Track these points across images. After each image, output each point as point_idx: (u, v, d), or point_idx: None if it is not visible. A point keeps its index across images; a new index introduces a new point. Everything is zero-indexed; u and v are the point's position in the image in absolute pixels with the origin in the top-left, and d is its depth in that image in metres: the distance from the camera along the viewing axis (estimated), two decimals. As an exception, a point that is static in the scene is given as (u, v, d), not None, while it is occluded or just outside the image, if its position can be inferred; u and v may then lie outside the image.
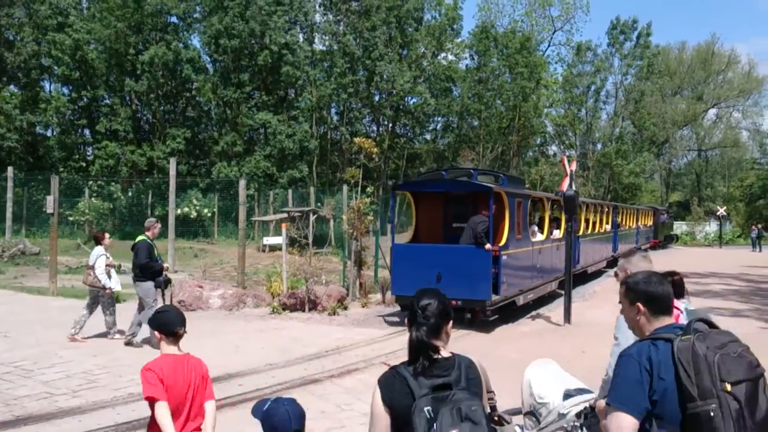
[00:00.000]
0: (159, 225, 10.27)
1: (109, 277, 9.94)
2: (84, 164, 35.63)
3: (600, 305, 15.23)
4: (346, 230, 15.81)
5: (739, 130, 65.99)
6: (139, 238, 9.89)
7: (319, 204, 29.00)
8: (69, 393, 7.29)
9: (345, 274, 16.12)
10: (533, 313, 14.08)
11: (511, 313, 13.27)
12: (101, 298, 10.04)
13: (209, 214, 31.65)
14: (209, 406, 3.79)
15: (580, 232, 18.72)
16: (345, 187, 19.35)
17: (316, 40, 40.67)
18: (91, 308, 10.09)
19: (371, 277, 17.12)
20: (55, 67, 34.62)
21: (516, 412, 3.49)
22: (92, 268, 9.95)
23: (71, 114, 36.12)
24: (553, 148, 55.19)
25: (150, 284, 9.66)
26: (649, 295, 2.66)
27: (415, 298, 2.66)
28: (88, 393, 7.27)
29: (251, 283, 16.19)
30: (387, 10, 38.99)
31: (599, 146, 53.85)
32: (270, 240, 25.41)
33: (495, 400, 2.92)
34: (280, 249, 15.22)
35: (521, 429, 3.30)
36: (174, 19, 37.33)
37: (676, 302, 3.51)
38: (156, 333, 3.81)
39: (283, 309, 13.46)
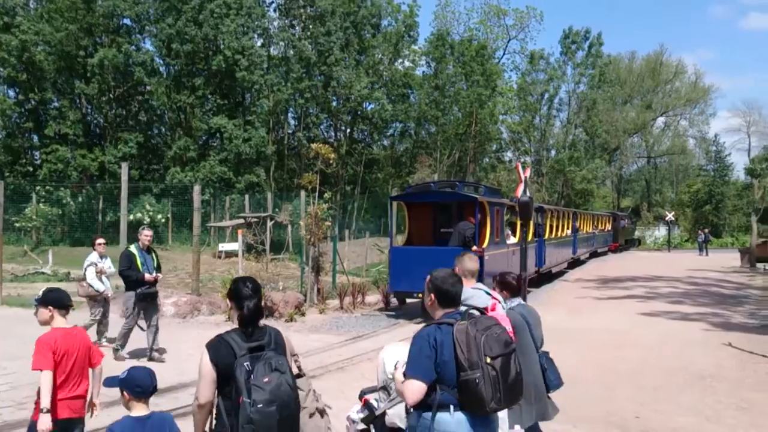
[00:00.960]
0: (147, 232, 9.65)
1: (101, 281, 9.86)
2: (31, 169, 34.51)
3: (554, 310, 15.48)
4: (304, 236, 15.70)
5: (686, 137, 68.17)
6: (130, 246, 9.62)
7: (276, 209, 28.77)
8: (14, 405, 7.03)
9: (303, 280, 16.02)
10: (490, 317, 14.20)
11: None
12: (99, 303, 9.91)
13: (163, 220, 31.03)
14: (96, 371, 4.37)
15: (546, 236, 20.79)
16: (303, 193, 19.25)
17: (271, 45, 40.35)
18: (104, 317, 10.00)
19: (329, 283, 17.05)
20: (1, 69, 33.50)
21: (375, 389, 4.06)
22: (84, 278, 9.82)
23: (17, 117, 34.96)
24: (508, 155, 56.03)
25: (130, 294, 9.28)
26: (440, 290, 3.40)
27: (240, 282, 3.47)
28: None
29: (206, 290, 15.91)
30: (344, 16, 39.00)
31: (553, 153, 54.88)
32: (226, 246, 25.07)
33: (299, 361, 3.63)
34: (237, 255, 15.04)
35: (377, 402, 3.92)
36: (127, 22, 36.56)
37: (497, 295, 4.84)
38: (49, 308, 4.24)
39: (239, 316, 13.23)
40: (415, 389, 3.13)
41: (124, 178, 19.77)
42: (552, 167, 51.78)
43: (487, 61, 44.32)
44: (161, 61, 37.47)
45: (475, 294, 4.49)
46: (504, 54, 52.91)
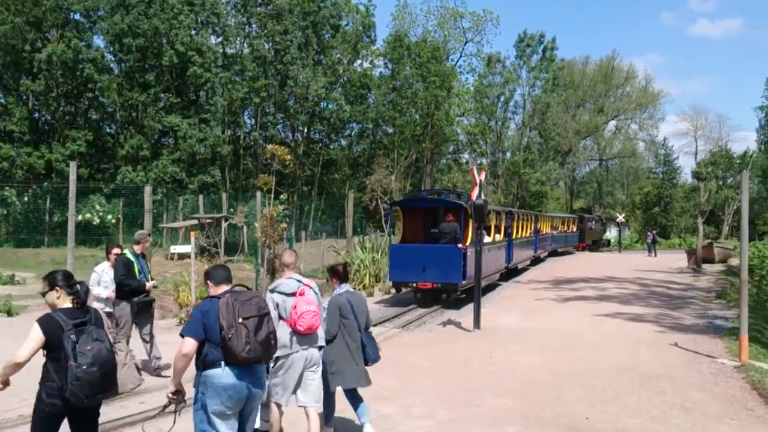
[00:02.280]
0: (149, 238, 9.07)
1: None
2: (-27, 167, 33.34)
3: (508, 311, 15.68)
4: (259, 238, 15.54)
5: (637, 141, 69.88)
6: (126, 252, 8.83)
7: (231, 210, 28.39)
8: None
9: (258, 282, 15.84)
10: (444, 319, 14.30)
11: (424, 321, 13.49)
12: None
13: (113, 221, 30.29)
14: None
15: (513, 236, 23.32)
16: (258, 194, 19.04)
17: (227, 43, 39.78)
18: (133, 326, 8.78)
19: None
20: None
21: None
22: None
23: (-41, 113, 33.72)
24: (465, 156, 56.57)
25: (124, 305, 8.46)
26: (211, 275, 4.65)
27: (62, 275, 4.40)
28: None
29: (158, 292, 15.51)
30: (303, 15, 38.75)
31: (509, 155, 55.61)
32: (178, 248, 24.59)
33: (114, 331, 4.68)
34: (189, 257, 14.77)
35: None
36: (77, 16, 35.58)
37: (308, 282, 5.91)
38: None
39: (192, 320, 13.01)
40: (188, 345, 4.24)
41: (73, 177, 19.17)
42: (507, 169, 52.45)
43: (442, 63, 44.62)
44: (112, 57, 36.60)
45: (284, 282, 5.81)
46: (461, 57, 53.45)
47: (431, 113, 43.10)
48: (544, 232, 32.77)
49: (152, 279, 9.07)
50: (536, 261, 30.70)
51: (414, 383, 8.76)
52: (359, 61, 46.39)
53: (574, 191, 69.92)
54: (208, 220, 25.57)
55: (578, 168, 67.73)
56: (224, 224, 25.17)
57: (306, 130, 44.47)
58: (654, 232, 47.09)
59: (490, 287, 20.30)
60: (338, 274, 6.44)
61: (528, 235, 27.41)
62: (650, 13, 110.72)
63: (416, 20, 50.84)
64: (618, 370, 9.42)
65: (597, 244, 47.65)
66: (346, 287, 6.39)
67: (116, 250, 8.91)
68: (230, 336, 4.15)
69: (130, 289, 8.42)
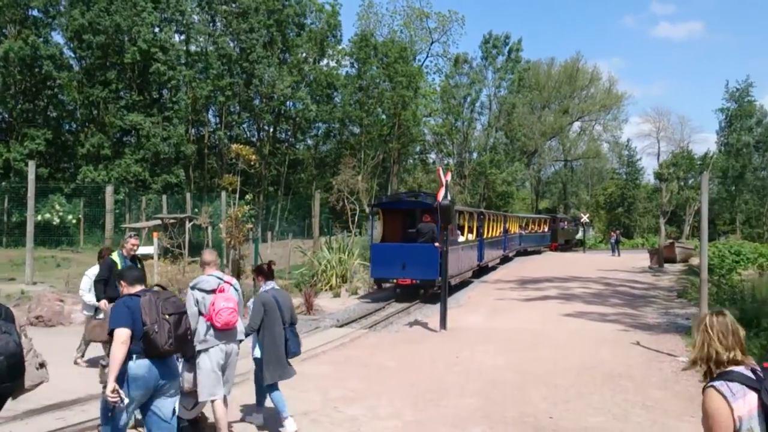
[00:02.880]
0: (134, 241, 8.73)
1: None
2: (-74, 166, 32.29)
3: (474, 311, 15.76)
4: (224, 238, 15.35)
5: (601, 142, 71.01)
6: (113, 253, 8.64)
7: (196, 211, 27.99)
8: None
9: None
10: (411, 319, 14.31)
11: (391, 322, 13.47)
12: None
13: (74, 221, 29.62)
14: None
15: (485, 236, 24.65)
16: (223, 194, 18.83)
17: (191, 40, 39.23)
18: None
19: (250, 286, 16.72)
20: None
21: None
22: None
23: None
24: (432, 156, 56.74)
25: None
26: (124, 275, 4.97)
27: None
28: None
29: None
30: (268, 13, 38.42)
31: (475, 155, 55.95)
32: (141, 249, 24.11)
33: (25, 330, 4.43)
34: (152, 258, 14.52)
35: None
36: (35, 12, 34.70)
37: (228, 279, 6.19)
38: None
39: (154, 322, 12.78)
40: (124, 333, 4.51)
41: (31, 176, 18.77)
42: (474, 169, 52.78)
43: (409, 63, 44.69)
44: (72, 54, 35.79)
45: (204, 279, 6.08)
46: (427, 57, 53.56)
47: (398, 113, 43.13)
48: (512, 232, 34.08)
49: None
50: (505, 259, 31.84)
51: (380, 384, 8.72)
52: (325, 61, 46.22)
53: (540, 192, 70.72)
54: (171, 221, 25.16)
55: (544, 168, 68.52)
56: (188, 225, 24.80)
57: (272, 129, 44.13)
58: (617, 232, 47.95)
59: (464, 284, 21.01)
60: (263, 272, 6.82)
61: (498, 235, 28.68)
62: (613, 16, 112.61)
63: (382, 20, 50.80)
64: (581, 369, 9.51)
65: (570, 244, 48.69)
66: (272, 284, 6.77)
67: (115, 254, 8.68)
68: (155, 330, 4.54)
69: (109, 295, 7.96)
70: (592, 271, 27.05)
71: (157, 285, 5.02)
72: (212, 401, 5.96)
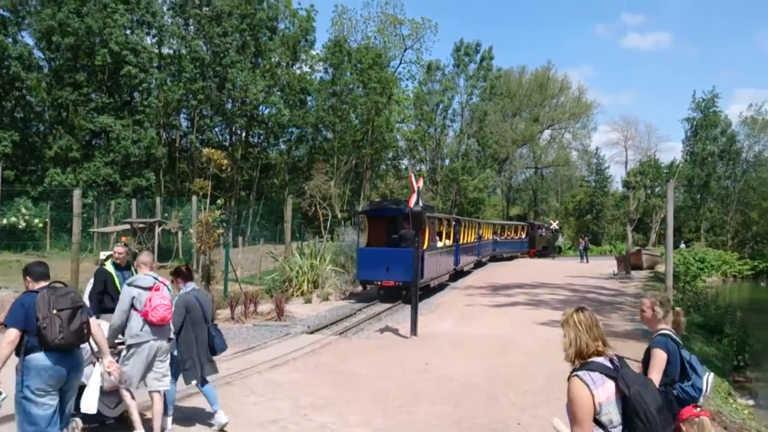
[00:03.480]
0: (120, 249, 8.19)
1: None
2: None
3: (444, 317, 15.85)
4: (194, 243, 15.22)
5: (570, 150, 71.98)
6: (106, 261, 8.13)
7: (166, 215, 27.72)
8: None
9: (192, 290, 15.47)
10: (382, 326, 14.34)
11: (362, 328, 13.47)
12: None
13: (40, 225, 29.09)
14: None
15: (460, 242, 26.04)
16: (194, 198, 18.67)
17: (164, 43, 38.88)
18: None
19: (221, 292, 16.60)
20: None
21: None
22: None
23: None
24: (404, 162, 56.91)
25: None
26: (29, 271, 5.10)
27: None
28: None
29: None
30: (241, 17, 38.26)
31: (447, 162, 56.27)
32: (109, 253, 23.85)
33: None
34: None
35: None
36: (3, 12, 34.05)
37: (163, 280, 6.45)
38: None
39: (122, 328, 12.63)
40: (12, 332, 4.73)
41: (-4, 180, 18.43)
42: (446, 176, 53.08)
43: (383, 70, 44.84)
44: (41, 55, 35.18)
45: (141, 277, 6.36)
46: (400, 63, 53.83)
47: (372, 119, 43.23)
48: (486, 238, 35.38)
49: None
50: (479, 264, 32.98)
51: (350, 391, 8.74)
52: (299, 65, 46.15)
53: (511, 198, 71.37)
54: (141, 225, 24.90)
55: (515, 175, 69.18)
56: (158, 229, 24.56)
57: (244, 133, 43.89)
58: (586, 239, 48.61)
59: (441, 286, 22.09)
60: (182, 274, 7.05)
61: (472, 240, 30.17)
62: (584, 25, 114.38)
63: (356, 26, 50.97)
64: (550, 375, 9.63)
65: (548, 250, 49.28)
66: (192, 285, 7.01)
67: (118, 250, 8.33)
68: (45, 325, 4.73)
69: (105, 306, 7.56)
70: (561, 278, 27.36)
71: (57, 281, 5.14)
72: (151, 394, 6.27)
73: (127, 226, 25.52)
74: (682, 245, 48.47)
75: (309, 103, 46.13)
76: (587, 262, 40.43)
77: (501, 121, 58.78)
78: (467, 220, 30.51)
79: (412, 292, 13.51)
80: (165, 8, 38.14)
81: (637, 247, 40.25)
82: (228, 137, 44.25)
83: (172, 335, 6.53)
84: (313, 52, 46.56)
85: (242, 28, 38.55)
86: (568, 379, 3.29)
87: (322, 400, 8.16)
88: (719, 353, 14.69)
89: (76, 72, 33.46)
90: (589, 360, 3.28)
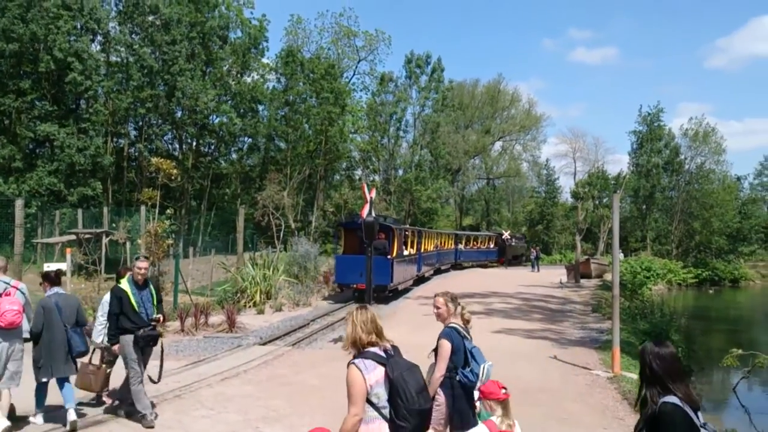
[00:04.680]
0: (142, 264, 7.62)
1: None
2: None
3: (398, 326, 15.85)
4: (142, 254, 14.86)
5: (521, 161, 73.23)
6: (122, 279, 7.60)
7: (113, 225, 27.01)
8: None
9: (139, 302, 15.08)
10: (336, 336, 14.26)
11: (315, 339, 13.35)
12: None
13: (-21, 236, 27.98)
14: None
15: (423, 251, 28.91)
16: (143, 208, 18.29)
17: (111, 50, 38.02)
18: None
19: (170, 304, 16.24)
20: None
21: None
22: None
23: None
24: (358, 173, 56.94)
25: (127, 339, 7.32)
26: None
27: None
28: None
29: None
30: (190, 25, 37.76)
31: (401, 172, 56.55)
32: (53, 265, 23.07)
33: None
34: (65, 275, 13.91)
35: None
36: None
37: (16, 284, 7.12)
38: None
39: (66, 342, 12.23)
40: None
41: (-68, 189, 17.66)
42: (399, 186, 53.33)
43: (336, 80, 44.88)
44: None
45: None
46: (354, 74, 54.03)
47: (325, 129, 43.15)
48: (447, 248, 38.13)
49: (159, 312, 7.78)
50: (438, 271, 34.96)
51: (303, 403, 8.65)
52: (251, 74, 45.80)
53: (464, 208, 72.09)
54: (87, 236, 24.22)
55: (467, 186, 69.95)
56: (105, 240, 23.93)
57: (195, 142, 43.23)
58: (537, 248, 49.50)
59: (406, 290, 24.89)
60: (50, 278, 7.45)
61: (432, 249, 32.73)
62: (534, 39, 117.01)
63: (310, 36, 51.00)
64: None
65: (518, 260, 50.52)
66: (56, 290, 7.39)
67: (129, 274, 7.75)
68: None
69: (124, 328, 7.29)
70: (513, 286, 27.75)
71: None
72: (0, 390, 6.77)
73: (73, 237, 24.76)
74: (621, 255, 49.86)
75: (261, 112, 45.78)
76: (538, 271, 41.14)
77: (453, 132, 59.44)
78: (426, 231, 33.02)
79: (366, 299, 13.47)
80: (111, 15, 37.30)
81: (586, 257, 41.17)
82: (178, 146, 43.52)
83: (27, 335, 7.03)
84: (266, 61, 46.32)
85: (192, 36, 38.03)
86: (348, 365, 3.86)
87: (273, 413, 8.05)
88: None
89: (20, 79, 32.41)
90: (365, 350, 3.90)
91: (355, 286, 20.51)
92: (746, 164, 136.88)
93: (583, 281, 32.20)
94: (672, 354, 3.31)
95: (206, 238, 39.11)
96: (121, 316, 7.28)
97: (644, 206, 61.00)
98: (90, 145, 32.51)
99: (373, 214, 13.09)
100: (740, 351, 13.75)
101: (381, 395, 3.82)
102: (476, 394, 5.23)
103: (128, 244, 24.57)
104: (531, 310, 19.97)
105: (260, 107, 45.78)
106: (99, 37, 36.48)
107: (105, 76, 34.96)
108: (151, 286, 7.73)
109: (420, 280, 28.48)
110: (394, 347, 4.02)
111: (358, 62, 53.48)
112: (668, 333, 17.01)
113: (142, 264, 7.58)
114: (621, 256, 48.48)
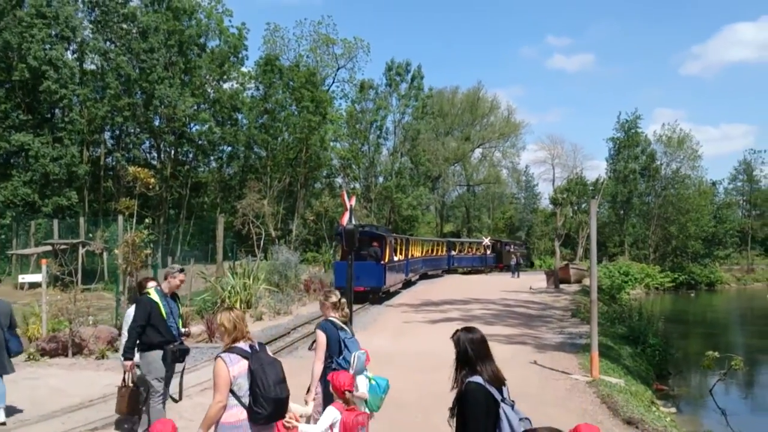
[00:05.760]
0: (182, 276, 7.24)
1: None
2: None
3: (379, 334, 15.84)
4: (120, 265, 14.70)
5: (500, 168, 73.77)
6: (149, 289, 7.11)
7: (90, 236, 26.69)
8: None
9: (118, 312, 14.92)
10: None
11: (296, 347, 13.27)
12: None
13: (-47, 247, 27.52)
14: None
15: (410, 257, 31.40)
16: (120, 218, 18.10)
17: (87, 59, 37.65)
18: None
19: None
20: None
21: None
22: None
23: None
24: (338, 180, 56.90)
25: (155, 355, 6.80)
26: None
27: None
28: None
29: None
30: (168, 33, 37.54)
31: (381, 179, 56.63)
32: (28, 277, 22.72)
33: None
34: (41, 286, 13.70)
35: None
36: None
37: None
38: None
39: (42, 355, 12.09)
40: None
41: None
42: (380, 194, 53.38)
43: (317, 88, 44.86)
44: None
45: None
46: (333, 82, 54.06)
47: (306, 138, 43.05)
48: (437, 254, 41.47)
49: (186, 326, 7.50)
50: (424, 276, 37.00)
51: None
52: (230, 83, 45.63)
53: (444, 215, 72.34)
54: (63, 246, 23.92)
55: (447, 193, 70.24)
56: (81, 251, 23.63)
57: (173, 151, 42.91)
58: (518, 254, 49.80)
59: (396, 292, 27.34)
60: None
61: (420, 256, 35.46)
62: (512, 46, 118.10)
63: (288, 44, 50.94)
64: (482, 390, 9.74)
65: (519, 266, 51.26)
66: None
67: (152, 284, 7.37)
68: None
69: (153, 342, 6.78)
70: (494, 292, 27.88)
71: None
72: None
73: (49, 248, 24.47)
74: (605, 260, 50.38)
75: (241, 120, 45.60)
76: (518, 276, 41.35)
77: (433, 139, 59.70)
78: (413, 239, 35.49)
79: (347, 303, 13.44)
80: (86, 22, 36.92)
81: (565, 262, 41.48)
82: (156, 155, 43.16)
83: None
84: (244, 69, 46.17)
85: (170, 44, 37.80)
86: (215, 359, 4.36)
87: (253, 423, 7.96)
88: (642, 363, 15.22)
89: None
90: (233, 345, 4.42)
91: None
92: (722, 169, 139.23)
93: (562, 286, 32.42)
94: (482, 337, 3.95)
95: (185, 248, 38.79)
96: (149, 329, 6.71)
97: (622, 211, 61.66)
98: (65, 154, 32.15)
99: (354, 222, 13.06)
100: (717, 354, 13.97)
101: (243, 385, 4.32)
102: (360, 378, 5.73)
103: (105, 255, 24.30)
104: (512, 315, 20.06)
105: (239, 115, 45.60)
106: (74, 46, 36.11)
107: (80, 84, 34.61)
108: (177, 299, 7.28)
109: (408, 283, 31.08)
110: (260, 344, 4.57)
111: (337, 70, 53.59)
112: (646, 336, 17.20)
113: (182, 277, 7.20)
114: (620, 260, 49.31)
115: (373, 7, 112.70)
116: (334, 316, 6.03)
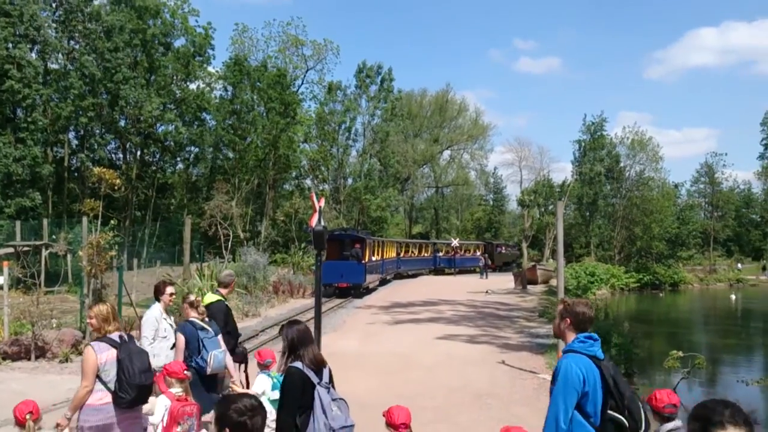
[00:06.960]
0: (195, 299, 6.69)
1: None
2: None
3: (348, 335, 15.84)
4: (84, 267, 14.43)
5: (469, 170, 74.23)
6: (212, 297, 7.12)
7: (53, 237, 26.15)
8: None
9: (83, 315, 14.65)
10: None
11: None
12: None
13: None
14: None
15: (384, 257, 33.69)
16: (85, 220, 17.75)
17: (51, 58, 36.87)
18: None
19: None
20: None
21: None
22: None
23: None
24: (308, 182, 56.71)
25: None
26: None
27: None
28: None
29: (-38, 330, 13.88)
30: (131, 33, 36.99)
31: (350, 181, 56.59)
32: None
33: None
34: (2, 289, 13.38)
35: None
36: None
37: None
38: None
39: (4, 359, 11.82)
40: None
41: None
42: (349, 195, 53.35)
43: (286, 90, 44.64)
44: None
45: None
46: (302, 83, 53.85)
47: (274, 139, 42.80)
48: (421, 256, 45.10)
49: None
50: (397, 276, 38.86)
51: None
52: (197, 83, 45.15)
53: (413, 217, 72.55)
54: (25, 248, 23.40)
55: (416, 194, 70.45)
56: (45, 252, 23.16)
57: (139, 152, 42.29)
58: (485, 256, 50.16)
59: (372, 289, 29.34)
60: None
61: (393, 257, 37.78)
62: (480, 49, 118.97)
63: (257, 45, 50.57)
64: (450, 390, 9.82)
65: (510, 266, 51.86)
66: None
67: (170, 290, 7.09)
68: None
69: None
70: (462, 294, 28.06)
71: None
72: None
73: (11, 250, 23.87)
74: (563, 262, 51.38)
75: (209, 121, 45.15)
76: (487, 277, 41.64)
77: (402, 141, 59.85)
78: (390, 241, 38.77)
79: (315, 312, 13.39)
80: (50, 21, 36.17)
81: (533, 263, 41.95)
82: (122, 156, 42.49)
83: None
84: (212, 70, 45.74)
85: (134, 44, 37.25)
86: (85, 347, 4.71)
87: (221, 426, 7.90)
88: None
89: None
90: (104, 335, 4.74)
91: (336, 284, 25.71)
92: (685, 172, 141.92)
93: (530, 287, 32.76)
94: (305, 328, 4.25)
95: (151, 250, 38.24)
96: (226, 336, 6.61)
97: (588, 213, 62.47)
98: (27, 154, 31.47)
99: (322, 224, 13.03)
100: (680, 353, 14.25)
101: (110, 372, 4.65)
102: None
103: (69, 257, 23.85)
104: (480, 316, 20.21)
105: (207, 116, 45.14)
106: (38, 45, 35.36)
107: (44, 84, 33.92)
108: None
109: (384, 281, 33.69)
110: (129, 335, 4.92)
111: (307, 71, 53.39)
112: (611, 336, 17.48)
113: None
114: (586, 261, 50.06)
115: (342, 9, 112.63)
116: (194, 316, 6.21)
